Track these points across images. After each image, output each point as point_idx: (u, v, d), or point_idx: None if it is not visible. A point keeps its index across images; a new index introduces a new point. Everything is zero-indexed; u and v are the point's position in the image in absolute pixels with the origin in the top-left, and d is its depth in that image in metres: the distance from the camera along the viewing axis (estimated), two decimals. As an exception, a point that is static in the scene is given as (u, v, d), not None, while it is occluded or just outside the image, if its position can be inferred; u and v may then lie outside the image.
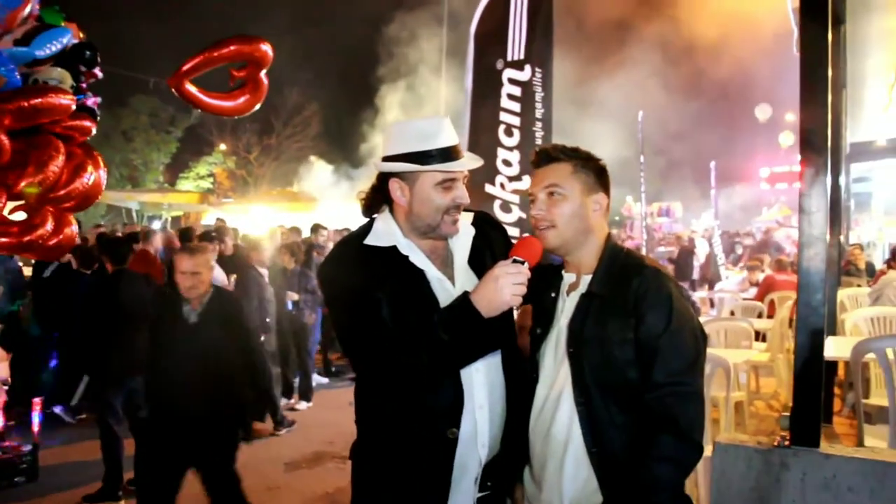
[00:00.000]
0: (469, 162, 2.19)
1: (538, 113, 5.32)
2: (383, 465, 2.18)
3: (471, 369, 2.12)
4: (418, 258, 2.19)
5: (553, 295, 2.16)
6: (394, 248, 2.18)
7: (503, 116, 5.20)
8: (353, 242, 2.25)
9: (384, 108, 29.43)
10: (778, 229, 26.99)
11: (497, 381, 2.18)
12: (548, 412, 2.07)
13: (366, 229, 2.25)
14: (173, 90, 5.02)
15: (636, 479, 1.88)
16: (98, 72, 4.80)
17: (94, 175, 4.60)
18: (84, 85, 4.69)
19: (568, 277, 2.16)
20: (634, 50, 29.60)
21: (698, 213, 34.40)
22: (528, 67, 5.26)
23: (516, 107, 5.25)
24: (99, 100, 4.79)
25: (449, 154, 2.14)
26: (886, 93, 9.98)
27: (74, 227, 4.62)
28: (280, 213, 18.92)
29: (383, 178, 2.22)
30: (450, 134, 2.17)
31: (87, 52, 4.66)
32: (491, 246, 2.27)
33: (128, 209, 24.48)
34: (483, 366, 2.13)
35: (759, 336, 7.69)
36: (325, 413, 5.97)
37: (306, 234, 11.82)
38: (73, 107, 4.25)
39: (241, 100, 5.22)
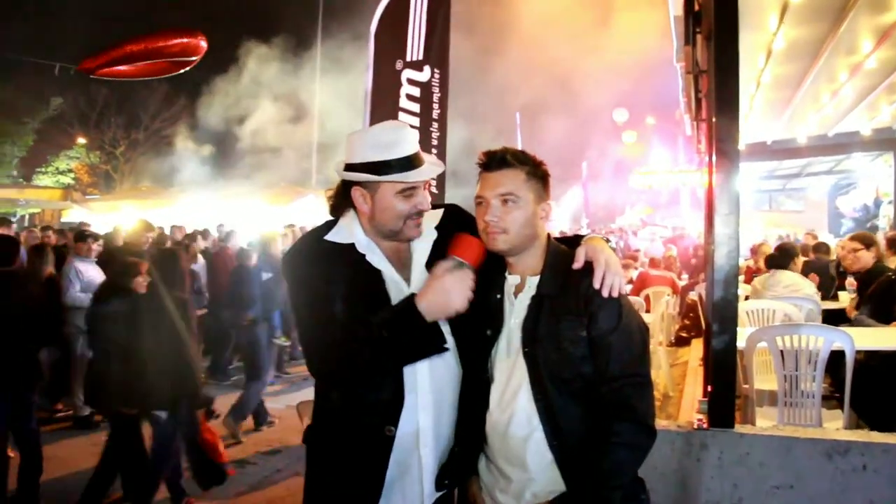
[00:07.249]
0: (428, 171, 2.18)
1: (435, 114, 5.35)
2: (327, 453, 2.21)
3: (416, 369, 2.13)
4: (375, 258, 2.19)
5: (499, 296, 2.18)
6: (352, 246, 2.18)
7: (402, 117, 5.18)
8: (314, 236, 2.24)
9: (259, 103, 28.85)
10: (643, 227, 28.43)
11: (448, 383, 2.20)
12: (506, 410, 2.09)
13: (329, 225, 2.25)
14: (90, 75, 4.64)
15: (597, 466, 1.95)
16: None
17: None
18: None
19: (512, 279, 2.17)
20: (514, 55, 30.33)
21: (566, 212, 35.61)
22: (426, 68, 5.28)
23: (415, 107, 5.25)
24: None
25: (409, 163, 2.13)
26: (749, 103, 10.82)
27: None
28: (151, 211, 18.14)
29: (347, 184, 2.21)
30: (410, 142, 2.16)
31: None
32: None
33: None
34: (429, 367, 2.15)
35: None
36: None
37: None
38: None
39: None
